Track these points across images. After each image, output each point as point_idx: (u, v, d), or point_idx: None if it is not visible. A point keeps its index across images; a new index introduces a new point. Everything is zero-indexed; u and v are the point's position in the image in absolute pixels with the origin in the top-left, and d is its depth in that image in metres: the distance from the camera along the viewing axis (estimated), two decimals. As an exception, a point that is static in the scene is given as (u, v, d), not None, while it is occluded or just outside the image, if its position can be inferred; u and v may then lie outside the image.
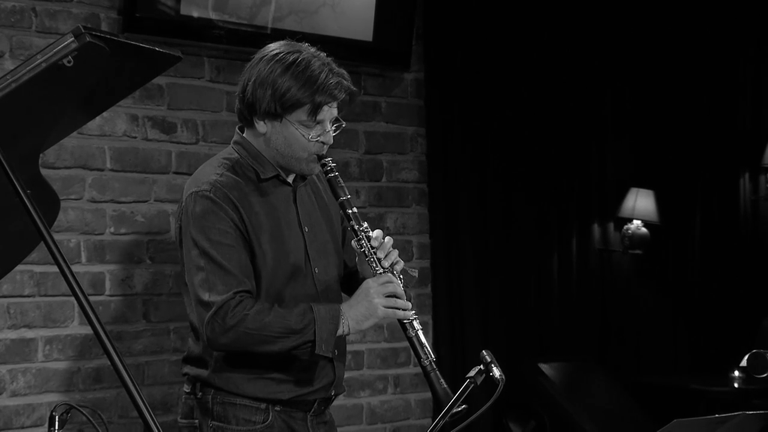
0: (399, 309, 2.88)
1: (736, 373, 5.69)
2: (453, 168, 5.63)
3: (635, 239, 6.36)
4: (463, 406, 2.71)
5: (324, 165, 2.95)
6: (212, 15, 4.69)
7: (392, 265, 2.93)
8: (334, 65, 2.92)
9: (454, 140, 5.64)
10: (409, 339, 2.88)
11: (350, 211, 2.94)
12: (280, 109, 2.88)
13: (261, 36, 4.80)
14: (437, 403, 2.81)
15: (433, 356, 2.87)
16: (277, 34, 4.82)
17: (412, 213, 5.52)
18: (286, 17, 4.90)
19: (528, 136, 5.96)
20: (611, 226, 6.41)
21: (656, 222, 6.39)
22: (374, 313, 2.87)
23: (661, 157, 6.49)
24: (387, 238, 2.95)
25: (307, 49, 2.93)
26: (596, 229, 6.34)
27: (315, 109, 2.87)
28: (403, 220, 5.48)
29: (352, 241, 2.95)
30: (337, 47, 4.95)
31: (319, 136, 2.91)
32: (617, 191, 6.37)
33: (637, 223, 6.36)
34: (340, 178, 2.96)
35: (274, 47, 2.95)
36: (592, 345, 6.24)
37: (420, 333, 2.88)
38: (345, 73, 2.93)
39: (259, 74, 2.90)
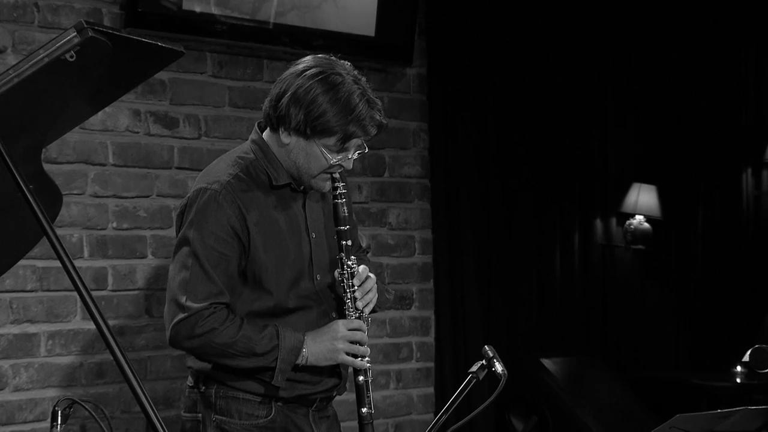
0: (357, 357, 2.92)
1: (739, 368, 5.70)
2: (455, 163, 5.63)
3: (638, 234, 6.36)
4: None
5: (336, 188, 2.94)
6: (214, 10, 4.69)
7: (366, 305, 2.96)
8: (370, 94, 2.87)
9: (457, 135, 5.64)
10: (358, 386, 2.94)
11: (343, 243, 2.94)
12: (310, 131, 2.84)
13: (263, 31, 4.80)
14: None
15: (373, 409, 2.93)
16: (280, 29, 4.83)
17: (415, 208, 5.52)
18: (289, 12, 4.89)
19: (531, 131, 5.96)
20: (613, 221, 6.41)
21: (659, 217, 6.38)
22: (334, 357, 2.93)
23: (664, 153, 6.49)
24: (370, 278, 2.97)
25: (349, 72, 2.87)
26: (598, 224, 6.34)
27: (345, 139, 2.85)
28: (405, 216, 5.48)
29: (335, 271, 2.96)
30: (339, 42, 5.01)
31: (340, 160, 2.90)
32: (620, 186, 6.36)
33: (639, 218, 6.36)
34: (345, 207, 2.95)
35: (315, 63, 2.88)
36: (594, 340, 6.24)
37: (370, 381, 2.94)
38: (379, 103, 2.89)
39: (297, 90, 2.84)
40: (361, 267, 2.95)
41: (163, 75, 4.60)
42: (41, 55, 2.01)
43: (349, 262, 2.93)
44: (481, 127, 5.75)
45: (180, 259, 2.88)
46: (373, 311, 3.07)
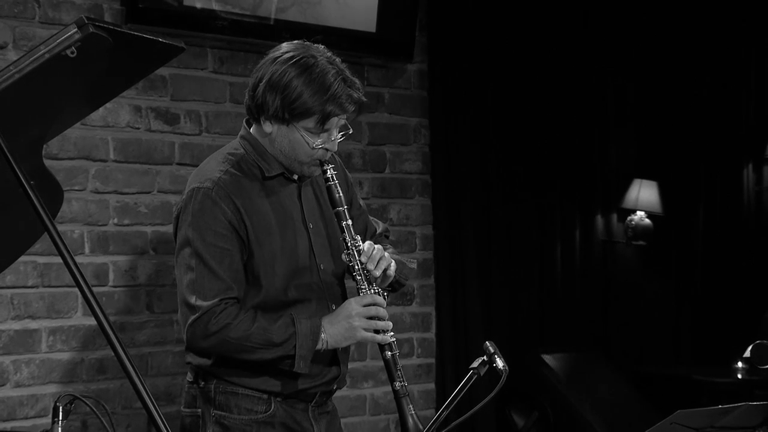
0: (379, 332, 2.89)
1: (740, 364, 5.69)
2: (456, 159, 5.63)
3: (638, 230, 6.36)
4: None
5: (325, 171, 2.94)
6: (215, 6, 4.69)
7: (384, 272, 2.92)
8: (347, 73, 2.88)
9: (457, 131, 5.64)
10: (386, 361, 2.91)
11: (344, 223, 2.93)
12: (289, 116, 2.85)
13: (264, 27, 4.80)
14: (404, 430, 2.84)
15: (406, 381, 2.89)
16: (281, 25, 4.83)
17: (416, 204, 5.52)
18: (290, 8, 4.89)
19: (531, 127, 5.96)
20: (614, 217, 6.41)
21: (660, 213, 6.38)
22: (353, 335, 2.89)
23: (665, 148, 6.48)
24: (377, 249, 2.94)
25: (323, 54, 2.89)
26: (599, 220, 6.34)
27: (323, 119, 2.85)
28: (406, 212, 5.48)
29: (342, 254, 2.95)
30: (340, 38, 5.00)
31: (324, 143, 2.90)
32: (621, 182, 6.36)
33: (640, 214, 6.36)
34: (338, 187, 2.95)
35: (289, 48, 2.90)
36: (595, 336, 6.24)
37: (397, 355, 2.90)
38: (357, 82, 2.90)
39: (272, 76, 2.85)
40: (366, 243, 2.94)
41: (163, 71, 4.60)
42: (42, 51, 2.02)
43: (353, 241, 2.92)
44: (482, 123, 5.75)
45: (183, 261, 2.88)
46: (400, 285, 3.06)
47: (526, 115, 5.93)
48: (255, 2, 4.80)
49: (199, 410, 2.97)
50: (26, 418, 4.29)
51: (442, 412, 2.72)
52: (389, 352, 2.90)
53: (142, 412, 4.12)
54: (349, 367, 3.12)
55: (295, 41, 2.95)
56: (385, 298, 2.94)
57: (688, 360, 6.43)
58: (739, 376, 5.71)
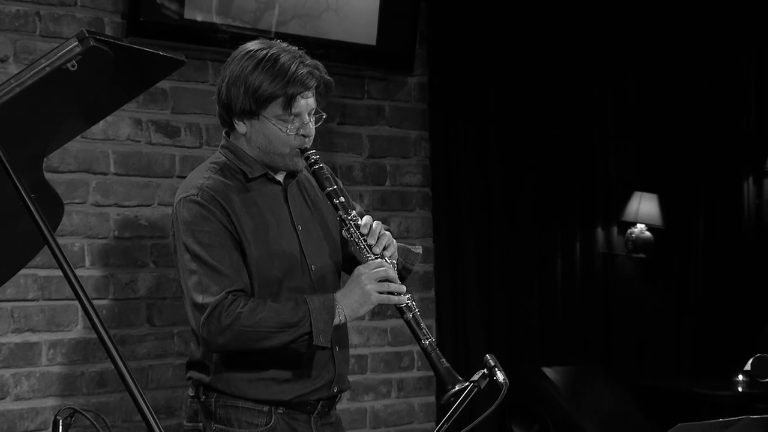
0: (393, 294, 2.87)
1: (740, 377, 5.69)
2: (456, 172, 5.63)
3: (639, 243, 6.36)
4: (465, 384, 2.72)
5: (307, 158, 2.94)
6: (216, 19, 4.70)
7: (384, 249, 2.92)
8: (306, 57, 2.92)
9: (458, 144, 5.65)
10: (407, 322, 2.87)
11: (337, 201, 2.94)
12: (255, 106, 2.89)
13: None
14: (440, 383, 2.83)
15: (432, 337, 2.87)
16: (281, 39, 4.84)
17: (416, 217, 5.52)
18: (290, 21, 4.90)
19: (531, 140, 5.96)
20: (615, 229, 6.40)
21: (660, 226, 6.38)
22: (368, 300, 2.87)
23: (665, 161, 6.49)
24: (376, 223, 2.93)
25: (279, 45, 2.94)
26: (600, 232, 6.33)
27: (289, 102, 2.88)
28: (406, 224, 5.48)
29: (342, 231, 2.95)
30: (340, 51, 5.02)
31: (298, 129, 2.91)
32: (621, 195, 6.36)
33: (640, 226, 6.35)
34: (325, 169, 2.96)
35: (247, 46, 2.96)
36: (596, 348, 6.24)
37: (417, 314, 2.87)
38: (318, 64, 2.94)
39: (232, 73, 2.91)
40: (365, 218, 2.94)
41: (164, 84, 4.61)
42: (43, 65, 2.02)
43: (348, 216, 2.91)
44: (482, 136, 5.75)
45: (184, 267, 2.88)
46: (408, 271, 3.05)
47: (527, 128, 5.93)
48: (256, 15, 4.81)
49: (201, 424, 2.96)
50: (26, 432, 4.29)
51: (443, 425, 2.71)
52: (409, 313, 2.86)
53: (142, 425, 4.12)
54: (349, 379, 3.11)
55: (255, 40, 3.00)
56: (394, 266, 2.91)
57: (689, 373, 6.42)
58: (740, 389, 5.70)
